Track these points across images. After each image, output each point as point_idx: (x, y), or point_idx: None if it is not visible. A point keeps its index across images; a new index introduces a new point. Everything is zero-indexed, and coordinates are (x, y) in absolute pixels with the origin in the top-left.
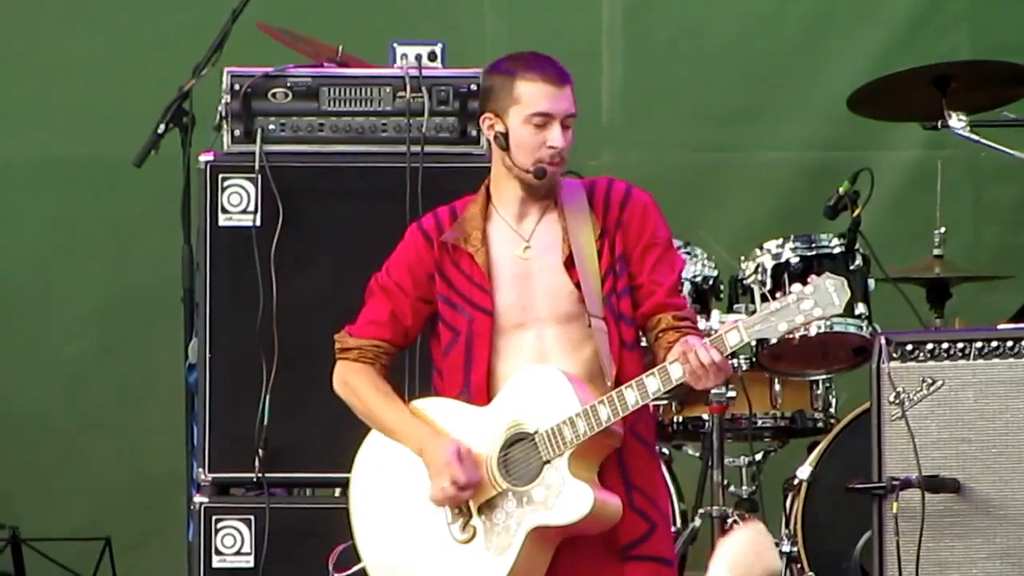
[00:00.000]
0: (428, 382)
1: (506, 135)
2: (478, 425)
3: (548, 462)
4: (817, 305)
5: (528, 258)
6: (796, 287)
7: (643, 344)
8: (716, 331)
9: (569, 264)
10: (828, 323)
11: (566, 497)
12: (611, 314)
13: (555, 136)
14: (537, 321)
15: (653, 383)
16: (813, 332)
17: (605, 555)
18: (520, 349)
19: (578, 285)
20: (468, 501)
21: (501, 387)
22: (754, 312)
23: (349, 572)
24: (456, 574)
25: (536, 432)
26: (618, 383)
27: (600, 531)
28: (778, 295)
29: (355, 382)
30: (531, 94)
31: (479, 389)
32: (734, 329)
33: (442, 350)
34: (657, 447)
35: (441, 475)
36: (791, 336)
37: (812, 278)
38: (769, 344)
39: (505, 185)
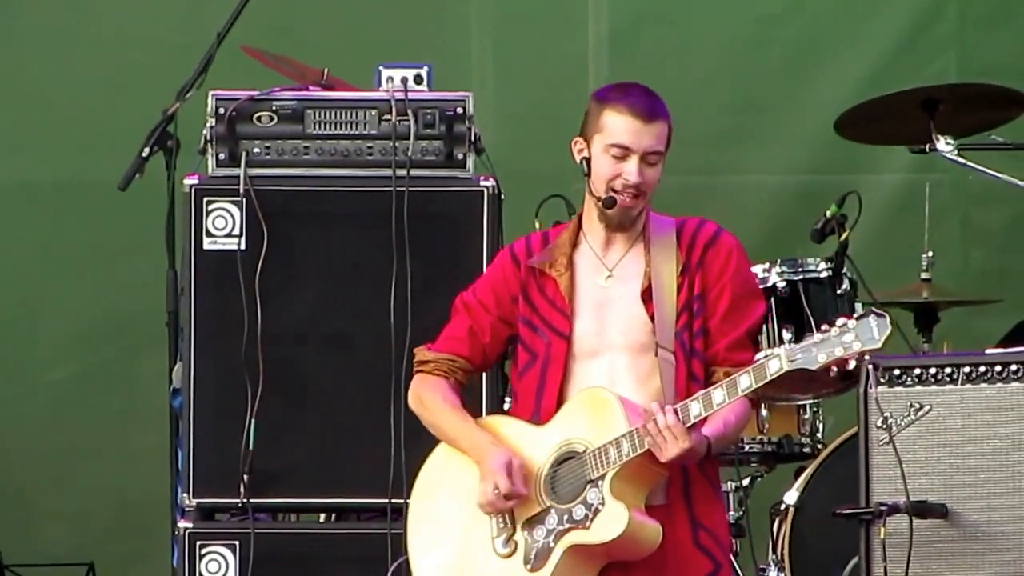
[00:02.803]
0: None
1: (589, 161)
2: (534, 442)
3: (592, 481)
4: (858, 339)
5: (608, 287)
6: (841, 320)
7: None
8: (758, 359)
9: (647, 296)
10: None
11: (603, 516)
12: (682, 348)
13: (630, 170)
14: (611, 349)
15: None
16: (852, 366)
17: None
18: (592, 376)
19: (652, 317)
20: (514, 516)
21: None
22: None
23: None
24: None
25: (585, 451)
26: None
27: (640, 555)
28: (824, 326)
29: (425, 394)
30: (614, 125)
31: (548, 413)
32: (776, 357)
33: (518, 372)
34: None
35: (488, 480)
36: (829, 369)
37: (858, 311)
38: None
39: (593, 213)
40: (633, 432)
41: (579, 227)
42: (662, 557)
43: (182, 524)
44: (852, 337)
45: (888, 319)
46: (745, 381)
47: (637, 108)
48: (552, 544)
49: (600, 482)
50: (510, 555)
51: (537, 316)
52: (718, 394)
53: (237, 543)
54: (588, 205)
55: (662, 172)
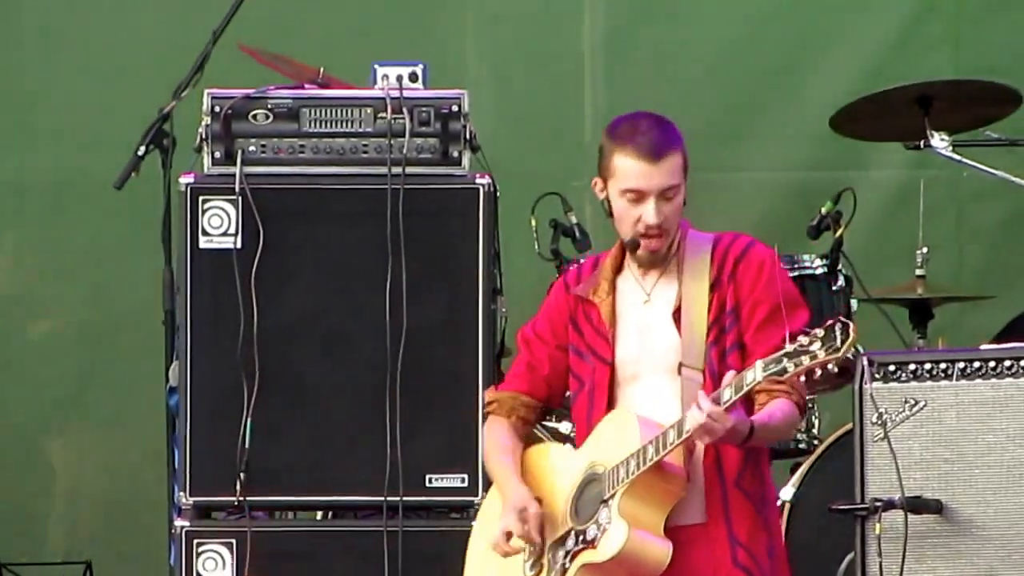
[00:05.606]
0: None
1: (609, 202)
2: (567, 467)
3: (604, 501)
4: (823, 348)
5: (647, 311)
6: (816, 331)
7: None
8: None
9: (677, 316)
10: None
11: (606, 534)
12: (709, 365)
13: (648, 212)
14: (651, 373)
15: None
16: (818, 374)
17: None
18: (636, 400)
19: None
20: (544, 538)
21: None
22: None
23: None
24: None
25: (604, 472)
26: None
27: (649, 574)
28: (800, 337)
29: (487, 437)
30: (624, 170)
31: None
32: (752, 368)
33: (571, 398)
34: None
35: (502, 521)
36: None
37: (827, 321)
38: None
39: None
40: (640, 450)
41: (623, 251)
42: None
43: (179, 523)
44: (818, 346)
45: (852, 326)
46: (727, 393)
47: (644, 149)
48: (567, 564)
49: (611, 501)
50: None
51: (583, 343)
52: (750, 374)
53: (234, 541)
54: None
55: (684, 196)
